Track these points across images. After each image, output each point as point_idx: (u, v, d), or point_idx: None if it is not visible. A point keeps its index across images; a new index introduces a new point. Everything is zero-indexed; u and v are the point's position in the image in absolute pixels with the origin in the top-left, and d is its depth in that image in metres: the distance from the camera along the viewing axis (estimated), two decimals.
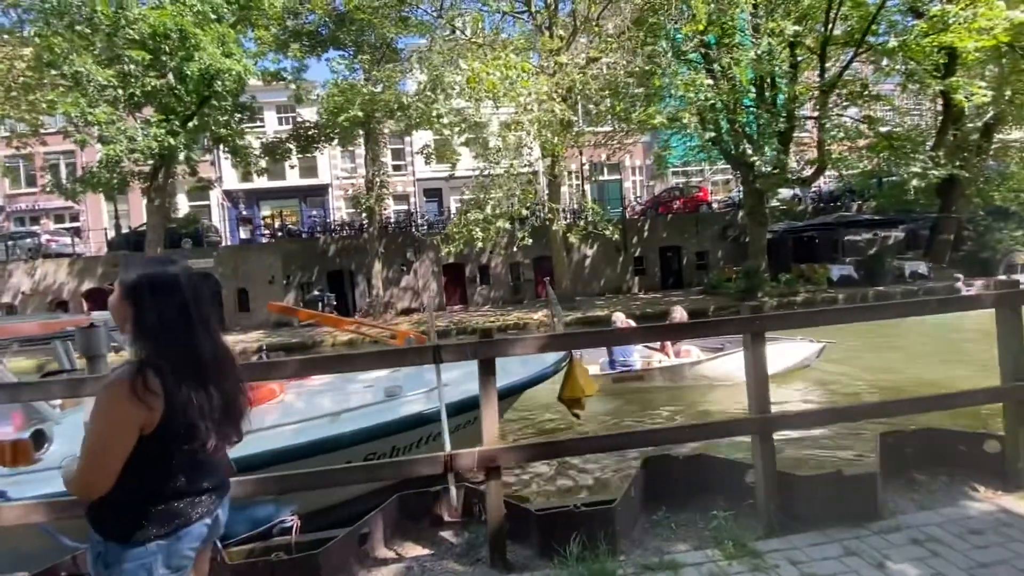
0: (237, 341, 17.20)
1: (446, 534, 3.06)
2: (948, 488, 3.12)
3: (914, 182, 16.47)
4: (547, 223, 16.57)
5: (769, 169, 17.13)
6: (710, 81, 13.96)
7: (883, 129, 17.77)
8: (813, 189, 26.55)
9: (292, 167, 23.46)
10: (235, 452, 1.61)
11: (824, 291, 18.39)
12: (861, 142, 18.95)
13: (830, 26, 15.28)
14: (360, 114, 13.95)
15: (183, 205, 27.43)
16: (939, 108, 19.60)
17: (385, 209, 25.30)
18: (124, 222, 26.54)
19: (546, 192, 18.48)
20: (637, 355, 8.31)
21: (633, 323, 8.64)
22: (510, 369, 5.01)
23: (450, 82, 13.87)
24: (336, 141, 19.25)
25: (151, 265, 1.46)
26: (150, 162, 16.63)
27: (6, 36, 16.36)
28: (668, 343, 8.22)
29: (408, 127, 18.88)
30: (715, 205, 26.71)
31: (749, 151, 16.66)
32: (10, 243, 21.47)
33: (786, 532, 2.80)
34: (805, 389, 8.10)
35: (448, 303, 22.54)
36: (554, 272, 20.54)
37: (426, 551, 2.94)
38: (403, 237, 22.08)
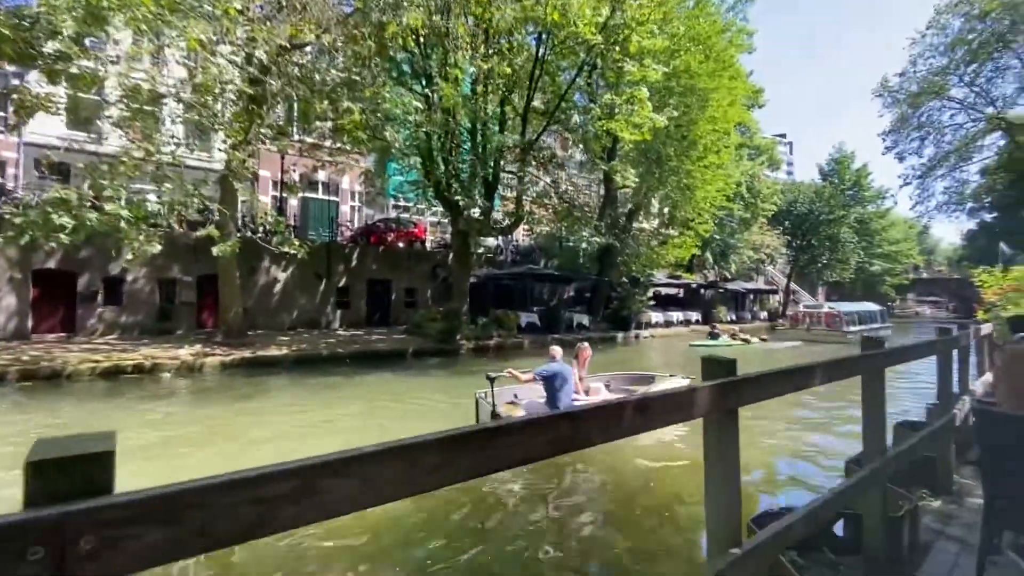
0: None
1: None
2: None
3: (584, 245, 18.98)
4: (200, 227, 12.43)
5: (476, 215, 17.29)
6: (420, 105, 12.96)
7: (566, 197, 20.31)
8: (513, 242, 29.24)
9: None
10: None
11: (514, 336, 19.34)
12: (551, 206, 21.32)
13: (531, 92, 16.55)
14: None
15: None
16: (602, 191, 23.90)
17: None
18: None
19: (215, 192, 14.25)
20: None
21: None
22: None
23: None
24: None
25: None
26: None
27: None
28: (580, 382, 8.04)
29: None
30: (429, 244, 26.46)
31: (459, 192, 16.46)
32: None
33: None
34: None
35: (38, 329, 15.12)
36: (220, 296, 15.99)
37: None
38: None
